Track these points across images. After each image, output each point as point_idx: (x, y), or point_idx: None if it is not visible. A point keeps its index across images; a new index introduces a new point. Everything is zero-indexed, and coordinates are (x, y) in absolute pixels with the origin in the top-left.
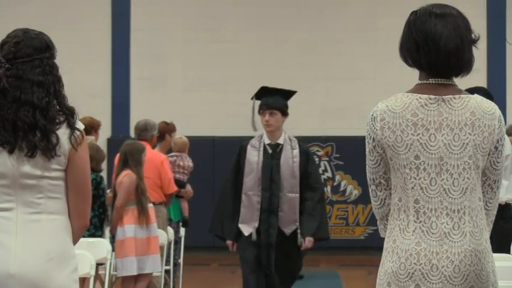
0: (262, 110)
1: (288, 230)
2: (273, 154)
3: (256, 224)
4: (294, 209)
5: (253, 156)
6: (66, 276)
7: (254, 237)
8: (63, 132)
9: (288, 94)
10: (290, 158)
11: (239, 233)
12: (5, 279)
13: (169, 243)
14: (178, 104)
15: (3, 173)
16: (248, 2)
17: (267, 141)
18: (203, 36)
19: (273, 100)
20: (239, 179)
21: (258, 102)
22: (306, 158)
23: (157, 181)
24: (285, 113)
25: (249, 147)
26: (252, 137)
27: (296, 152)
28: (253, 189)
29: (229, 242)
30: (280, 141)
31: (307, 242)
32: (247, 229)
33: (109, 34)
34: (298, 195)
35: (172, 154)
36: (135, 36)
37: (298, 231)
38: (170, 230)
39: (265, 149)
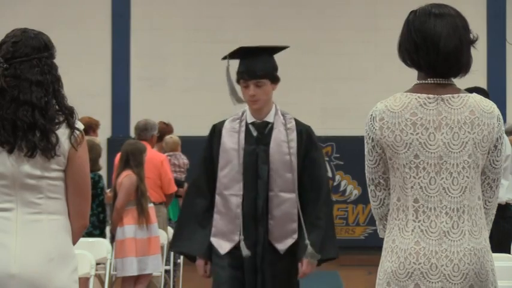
0: (243, 79)
1: (282, 246)
2: (259, 137)
3: (237, 238)
4: (291, 216)
5: (231, 142)
6: (67, 276)
7: (246, 252)
8: (62, 132)
9: (276, 50)
10: (284, 143)
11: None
12: (6, 280)
13: (169, 243)
14: (178, 104)
15: (3, 173)
16: (248, 2)
17: (250, 119)
18: (203, 36)
19: (258, 65)
20: (213, 175)
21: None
22: (307, 140)
23: (158, 181)
24: (275, 79)
25: (224, 129)
26: None
27: (293, 133)
28: (231, 188)
29: (199, 262)
30: (269, 118)
31: (306, 265)
32: (223, 245)
33: (109, 34)
34: (295, 195)
35: (166, 154)
36: (135, 36)
37: (307, 242)
38: (170, 229)
39: (247, 131)
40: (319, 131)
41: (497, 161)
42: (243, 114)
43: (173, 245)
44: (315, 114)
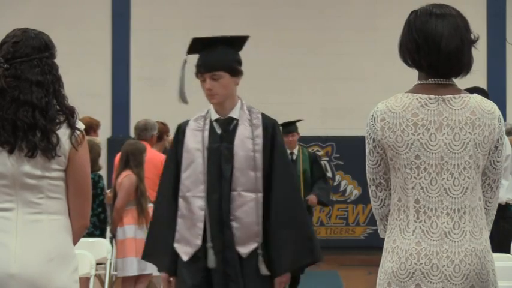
0: (200, 73)
1: (244, 250)
2: (223, 135)
3: (199, 242)
4: (254, 217)
5: (194, 141)
6: (67, 276)
7: (212, 262)
8: (63, 132)
9: (237, 41)
10: (249, 140)
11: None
12: (6, 280)
13: None
14: (178, 104)
15: (3, 173)
16: (248, 2)
17: (214, 116)
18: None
19: (214, 56)
20: (178, 177)
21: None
22: (271, 135)
23: (157, 181)
24: (235, 71)
25: (188, 128)
26: None
27: (258, 129)
28: (194, 190)
29: (163, 276)
30: (234, 114)
31: (278, 284)
32: (186, 251)
33: (109, 34)
34: (261, 195)
35: None
36: (135, 36)
37: (259, 252)
38: None
39: (211, 129)
40: (319, 131)
41: (497, 162)
42: (208, 111)
43: (143, 253)
44: (315, 114)
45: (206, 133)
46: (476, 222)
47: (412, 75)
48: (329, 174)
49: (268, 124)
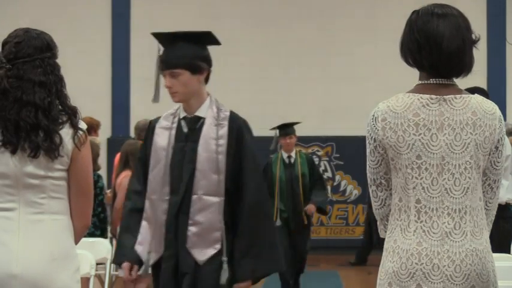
0: (161, 70)
1: (201, 257)
2: (188, 134)
3: (163, 249)
4: (214, 223)
5: (162, 140)
6: (69, 276)
7: (146, 268)
8: (66, 132)
9: (197, 37)
10: (212, 140)
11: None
12: (8, 280)
13: None
14: (178, 104)
15: (6, 173)
16: (248, 2)
17: (182, 114)
18: None
19: (174, 53)
20: (146, 177)
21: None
22: (237, 135)
23: None
24: (196, 68)
25: (158, 125)
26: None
27: (223, 129)
28: (158, 192)
29: (125, 265)
30: (201, 112)
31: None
32: (152, 255)
33: (109, 34)
34: (223, 199)
35: None
36: (135, 36)
37: (224, 259)
38: None
39: (179, 127)
40: (319, 131)
41: (498, 162)
42: (178, 109)
43: (115, 257)
44: (315, 114)
45: (173, 132)
46: (477, 222)
47: (412, 75)
48: (329, 174)
49: (235, 124)
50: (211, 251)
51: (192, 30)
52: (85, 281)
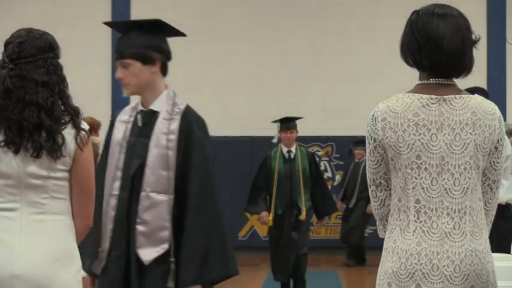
0: (115, 60)
1: (147, 257)
2: (141, 129)
3: (107, 245)
4: (163, 222)
5: (118, 134)
6: (71, 276)
7: (98, 269)
8: (68, 133)
9: (149, 26)
10: (163, 136)
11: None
12: (10, 280)
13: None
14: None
15: (8, 173)
16: (248, 2)
17: (139, 107)
18: (203, 36)
19: (124, 43)
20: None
21: None
22: (188, 130)
23: None
24: (148, 59)
25: (117, 119)
26: (252, 138)
27: (174, 124)
28: (110, 187)
29: (86, 281)
30: (155, 106)
31: None
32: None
33: (109, 34)
34: (172, 197)
35: None
36: None
37: (172, 260)
38: None
39: (135, 121)
40: (319, 131)
41: (497, 163)
42: (138, 102)
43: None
44: (315, 114)
45: (129, 125)
46: (477, 222)
47: (412, 75)
48: (329, 174)
49: (186, 118)
50: (158, 251)
51: (141, 19)
52: (86, 281)
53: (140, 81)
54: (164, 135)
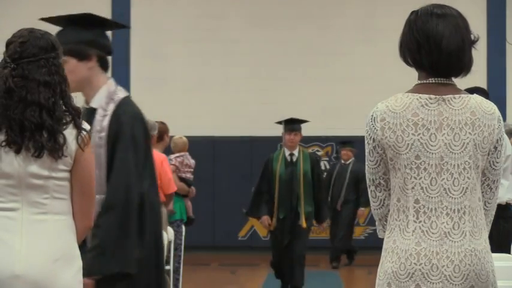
0: None
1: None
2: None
3: None
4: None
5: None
6: (71, 276)
7: None
8: (69, 133)
9: (81, 20)
10: (97, 134)
11: None
12: (10, 280)
13: (169, 243)
14: (178, 104)
15: (10, 173)
16: (248, 1)
17: (85, 105)
18: (203, 36)
19: (59, 39)
20: None
21: None
22: (117, 126)
23: (157, 181)
24: (83, 55)
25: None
26: (252, 138)
27: (105, 121)
28: None
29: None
30: (94, 103)
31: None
32: None
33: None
34: (103, 197)
35: (177, 155)
36: (135, 36)
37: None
38: (170, 230)
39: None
40: (319, 131)
41: (497, 163)
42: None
43: None
44: (315, 114)
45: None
46: (476, 222)
47: (412, 75)
48: None
49: (116, 113)
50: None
51: (74, 13)
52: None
53: (77, 78)
54: (97, 133)
